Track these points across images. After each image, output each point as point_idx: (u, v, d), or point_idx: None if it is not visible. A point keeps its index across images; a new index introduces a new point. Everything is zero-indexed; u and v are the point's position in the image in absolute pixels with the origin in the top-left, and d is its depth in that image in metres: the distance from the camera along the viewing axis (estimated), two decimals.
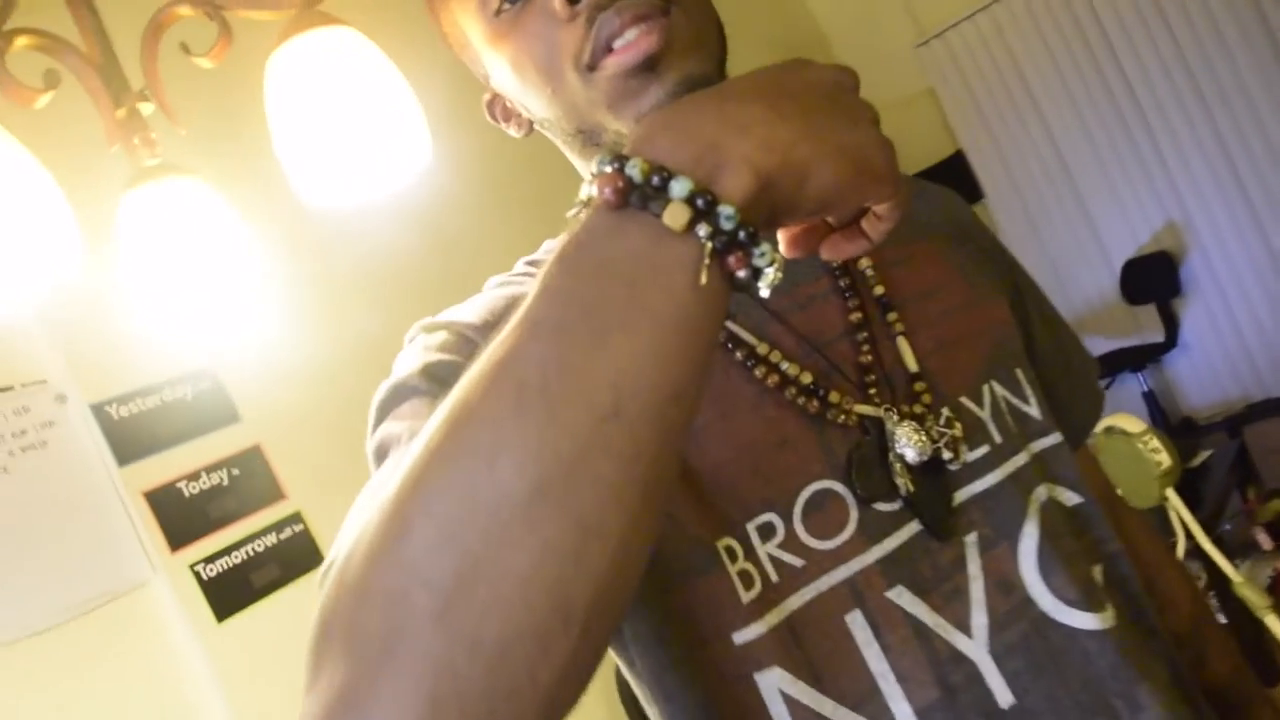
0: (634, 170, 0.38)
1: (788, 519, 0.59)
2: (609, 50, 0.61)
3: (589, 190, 0.40)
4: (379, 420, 0.60)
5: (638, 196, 0.38)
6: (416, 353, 0.63)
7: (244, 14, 1.00)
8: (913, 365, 0.67)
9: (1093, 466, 0.87)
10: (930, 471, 0.63)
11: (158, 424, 1.78)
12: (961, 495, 0.64)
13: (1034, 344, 0.78)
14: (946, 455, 0.63)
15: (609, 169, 0.38)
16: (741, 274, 0.39)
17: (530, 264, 0.72)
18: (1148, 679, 0.62)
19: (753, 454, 0.60)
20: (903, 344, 0.67)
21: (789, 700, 0.57)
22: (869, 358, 0.66)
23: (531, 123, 0.71)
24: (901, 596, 0.59)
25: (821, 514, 0.60)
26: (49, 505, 1.69)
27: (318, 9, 0.93)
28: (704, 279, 0.38)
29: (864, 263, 0.70)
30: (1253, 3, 2.78)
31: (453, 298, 0.70)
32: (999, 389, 0.69)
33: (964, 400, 0.67)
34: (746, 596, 0.58)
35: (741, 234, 0.38)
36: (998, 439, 0.66)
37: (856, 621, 0.59)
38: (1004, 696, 0.59)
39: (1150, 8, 2.91)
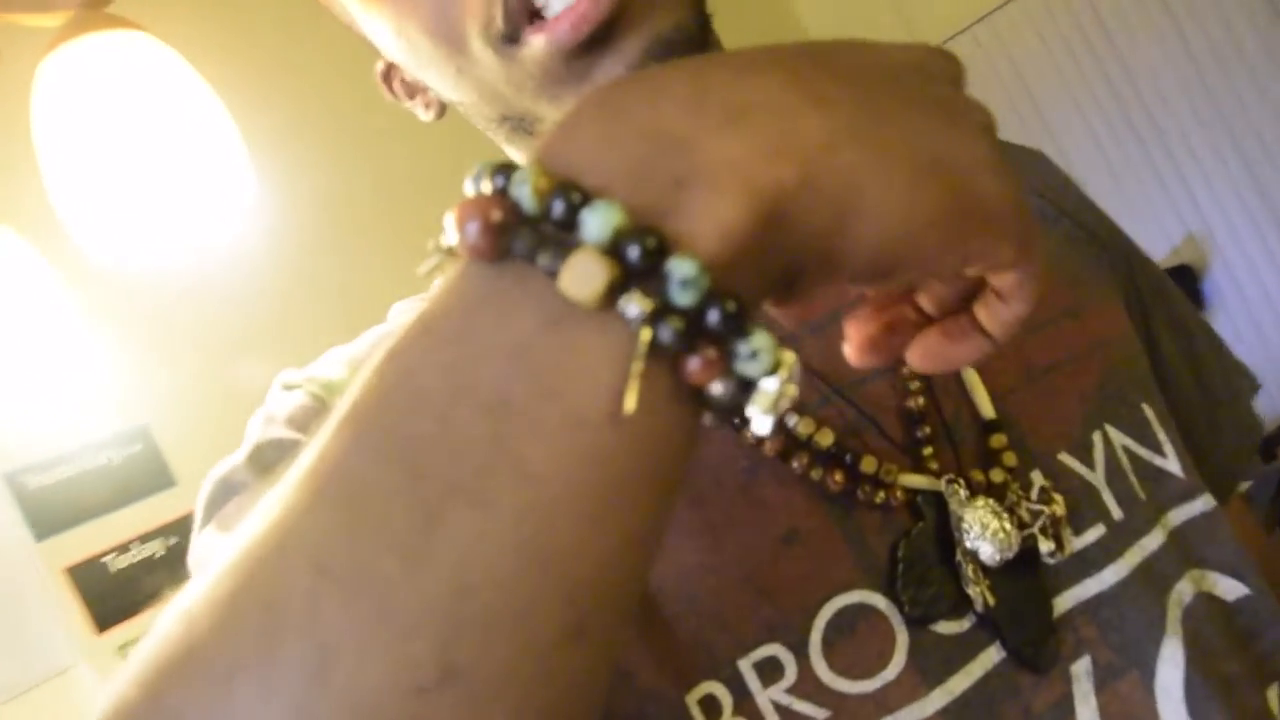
0: (522, 190, 0.21)
1: (801, 650, 0.41)
2: (533, 16, 0.42)
3: (449, 226, 0.22)
4: (204, 521, 0.45)
5: (525, 239, 0.21)
6: (257, 426, 0.48)
7: (8, 19, 0.82)
8: (988, 410, 0.46)
9: (1249, 526, 0.63)
10: (1018, 570, 0.43)
11: (81, 492, 1.61)
12: (1065, 602, 0.44)
13: (1159, 361, 0.57)
14: (1044, 547, 0.43)
15: (483, 187, 0.22)
16: (717, 390, 0.22)
17: None
18: None
19: (744, 557, 0.41)
20: (971, 378, 0.47)
21: None
22: (920, 401, 0.45)
23: (443, 103, 0.52)
24: None
25: (853, 640, 0.41)
26: None
27: (103, 10, 0.75)
28: (630, 403, 0.21)
29: None
30: (1269, 5, 2.64)
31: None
32: (1117, 436, 0.49)
33: (1064, 458, 0.47)
34: None
35: (712, 314, 0.21)
36: (1117, 514, 0.46)
37: None
38: None
39: (1160, 13, 2.77)
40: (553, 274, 0.21)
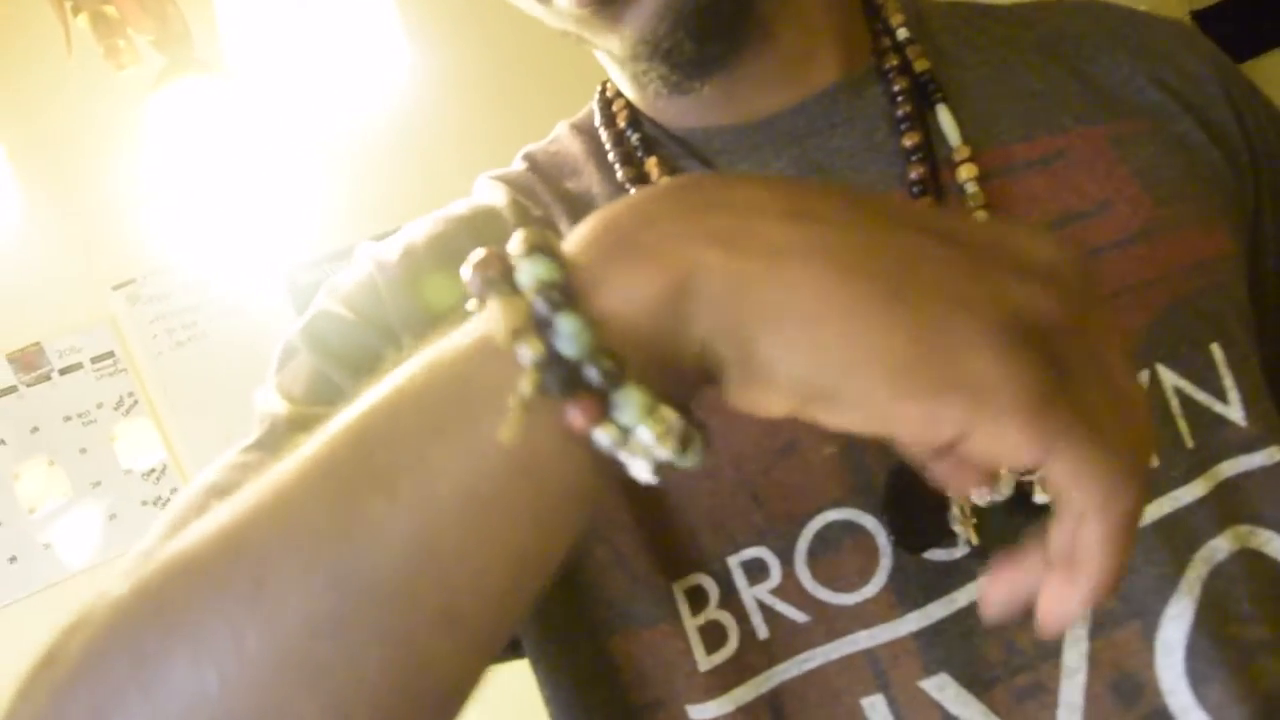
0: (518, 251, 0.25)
1: (787, 558, 0.43)
2: None
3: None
4: (275, 370, 0.49)
5: (488, 277, 0.25)
6: (322, 295, 0.50)
7: None
8: None
9: None
10: (1015, 510, 0.42)
11: None
12: None
13: None
14: (1040, 498, 0.42)
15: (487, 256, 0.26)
16: (602, 438, 0.24)
17: (528, 157, 0.54)
18: None
19: (742, 464, 0.43)
20: None
21: None
22: None
23: None
24: (944, 690, 0.42)
25: (838, 555, 0.43)
26: (242, 370, 1.71)
27: None
28: (505, 434, 0.24)
29: (965, 172, 0.46)
30: None
31: None
32: (1169, 376, 0.45)
33: None
34: (707, 661, 0.42)
35: (590, 370, 0.23)
36: (1153, 460, 0.44)
37: (876, 709, 0.42)
38: None
39: None
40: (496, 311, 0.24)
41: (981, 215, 0.45)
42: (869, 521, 0.42)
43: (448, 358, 0.26)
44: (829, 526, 0.42)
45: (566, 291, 0.24)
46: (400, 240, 0.50)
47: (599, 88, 0.53)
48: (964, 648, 0.42)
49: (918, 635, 0.42)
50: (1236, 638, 0.42)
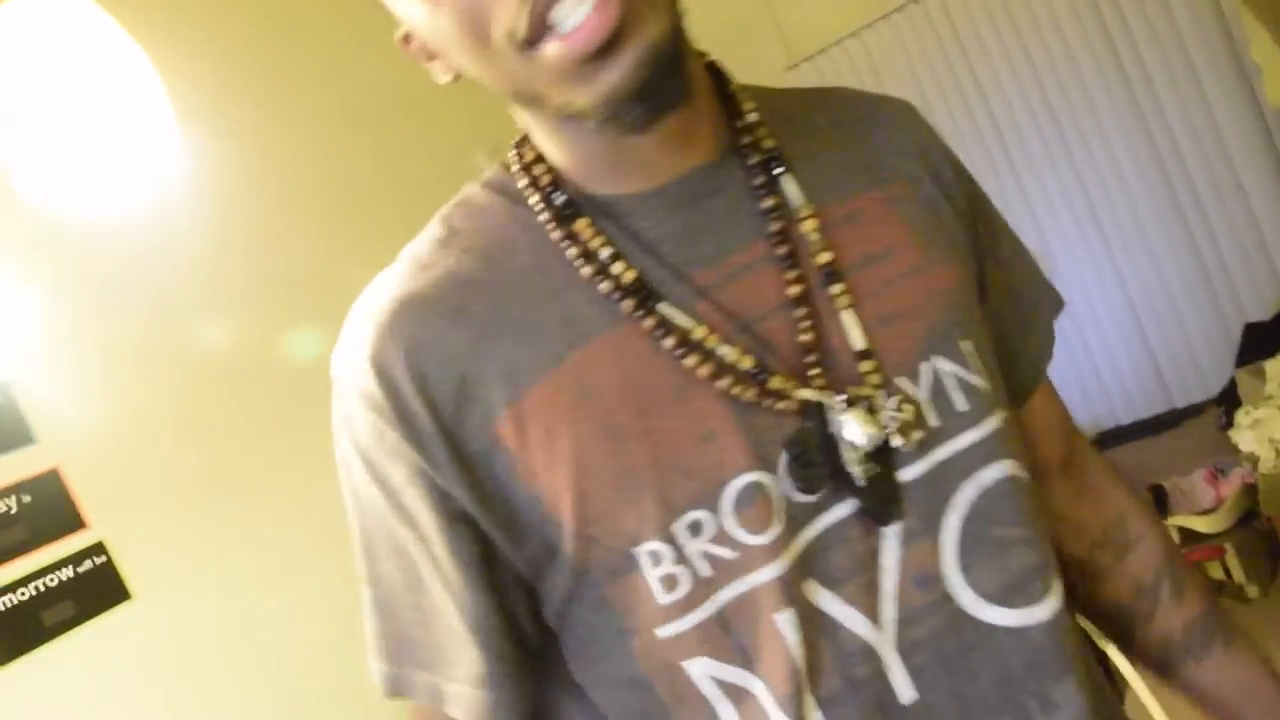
0: None
1: (717, 513, 0.58)
2: (550, 26, 0.52)
3: None
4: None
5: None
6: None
7: None
8: (859, 343, 0.61)
9: (1057, 405, 0.82)
10: (877, 457, 0.60)
11: None
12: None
13: (986, 284, 0.72)
14: (896, 441, 0.60)
15: None
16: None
17: (448, 225, 0.65)
18: (1067, 676, 0.62)
19: (677, 451, 0.58)
20: (849, 319, 0.62)
21: (720, 682, 0.59)
22: (810, 336, 0.60)
23: (459, 72, 0.61)
24: (815, 591, 0.59)
25: (752, 508, 0.58)
26: None
27: None
28: None
29: (809, 225, 0.62)
30: (1108, 42, 2.82)
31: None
32: (943, 365, 0.64)
33: (901, 381, 0.62)
34: (667, 598, 0.58)
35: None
36: (934, 422, 0.62)
37: (788, 621, 0.58)
38: (906, 692, 0.60)
39: (1015, 44, 2.94)
40: None
41: (825, 257, 0.62)
42: (768, 480, 0.58)
43: None
44: (744, 488, 0.58)
45: None
46: (365, 368, 0.62)
47: (514, 153, 0.65)
48: (822, 559, 0.59)
49: (804, 553, 0.59)
50: (994, 536, 0.62)
